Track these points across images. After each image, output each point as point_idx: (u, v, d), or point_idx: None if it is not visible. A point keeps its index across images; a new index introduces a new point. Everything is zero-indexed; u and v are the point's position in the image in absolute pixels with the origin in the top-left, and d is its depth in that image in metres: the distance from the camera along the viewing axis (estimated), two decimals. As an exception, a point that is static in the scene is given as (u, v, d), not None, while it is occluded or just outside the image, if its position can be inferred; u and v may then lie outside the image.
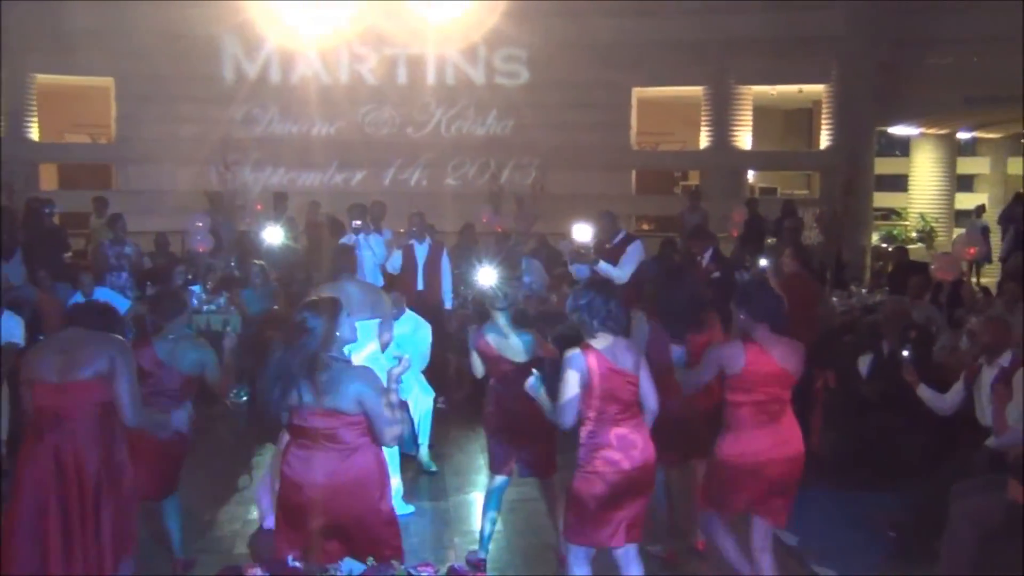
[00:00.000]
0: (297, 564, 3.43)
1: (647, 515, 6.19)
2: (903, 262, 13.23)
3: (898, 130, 22.42)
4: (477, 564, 6.01)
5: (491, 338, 5.91)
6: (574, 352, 4.77)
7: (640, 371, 4.84)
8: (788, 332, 5.18)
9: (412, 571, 3.40)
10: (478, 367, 6.10)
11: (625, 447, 4.75)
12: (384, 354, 6.51)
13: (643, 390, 4.86)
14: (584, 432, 4.82)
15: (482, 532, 6.19)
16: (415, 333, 8.38)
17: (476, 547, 6.55)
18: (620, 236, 9.12)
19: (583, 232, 9.03)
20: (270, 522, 5.94)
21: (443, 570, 3.45)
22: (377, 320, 6.52)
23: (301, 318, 4.29)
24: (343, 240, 11.92)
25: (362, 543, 4.27)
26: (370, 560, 3.60)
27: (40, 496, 4.50)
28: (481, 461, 8.53)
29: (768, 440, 5.02)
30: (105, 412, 4.64)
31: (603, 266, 8.81)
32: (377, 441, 4.37)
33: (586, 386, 4.73)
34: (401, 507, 6.47)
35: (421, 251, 10.08)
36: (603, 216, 9.35)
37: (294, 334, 4.24)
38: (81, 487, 4.51)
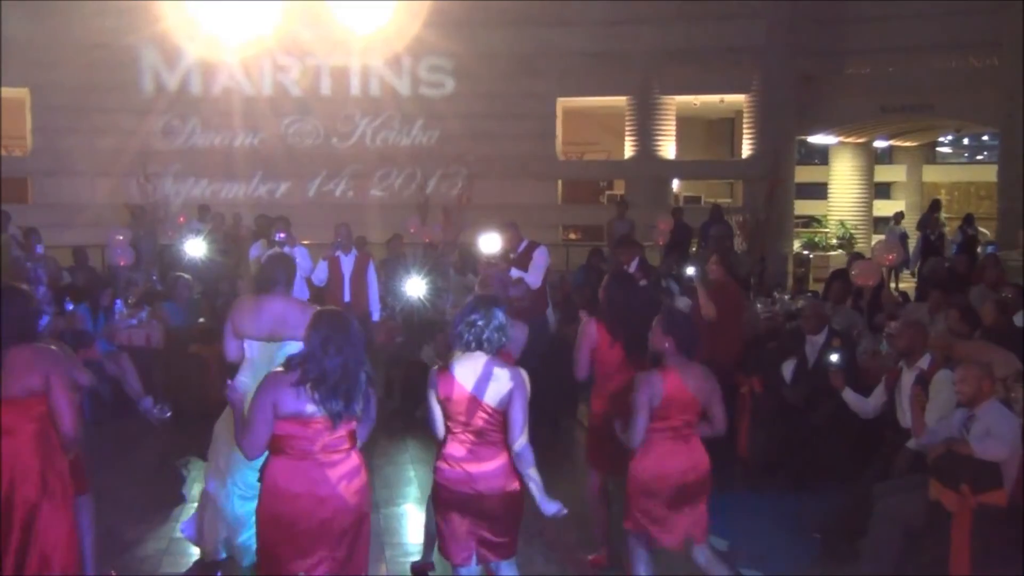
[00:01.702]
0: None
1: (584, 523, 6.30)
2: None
3: (817, 139, 22.92)
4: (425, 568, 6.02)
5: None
6: (433, 368, 4.78)
7: (507, 404, 4.64)
8: (704, 351, 5.30)
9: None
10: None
11: (462, 469, 4.68)
12: None
13: (510, 422, 4.65)
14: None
15: (425, 540, 6.15)
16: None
17: (409, 559, 6.53)
18: (524, 245, 9.18)
19: (491, 242, 9.05)
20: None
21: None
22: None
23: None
24: (256, 253, 11.81)
25: (357, 550, 4.35)
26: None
27: None
28: (412, 473, 8.50)
29: (679, 462, 5.10)
30: (43, 427, 4.55)
31: (515, 272, 8.84)
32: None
33: (436, 400, 4.70)
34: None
35: (347, 263, 10.00)
36: (506, 226, 9.38)
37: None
38: (12, 506, 4.42)
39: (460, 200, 17.56)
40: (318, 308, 4.78)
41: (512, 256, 8.98)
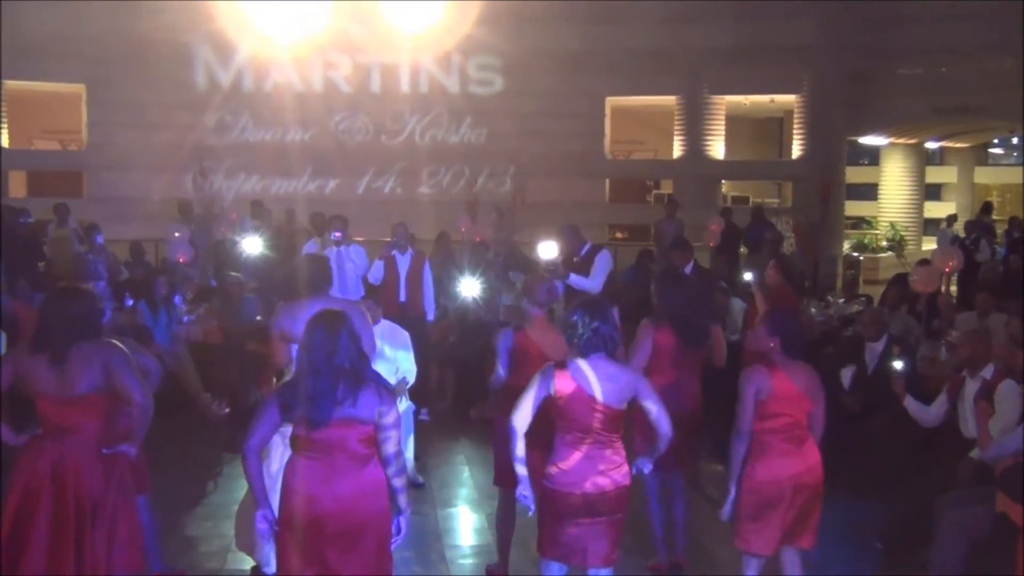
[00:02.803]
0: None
1: (642, 529, 6.31)
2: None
3: (867, 140, 22.69)
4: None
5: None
6: (547, 365, 4.79)
7: (627, 397, 4.78)
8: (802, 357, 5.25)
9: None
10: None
11: (576, 472, 4.73)
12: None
13: (651, 416, 4.82)
14: (553, 448, 4.82)
15: (500, 546, 6.18)
16: (393, 342, 8.27)
17: (467, 559, 6.59)
18: (586, 248, 9.14)
19: (549, 249, 9.07)
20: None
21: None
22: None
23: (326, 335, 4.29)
24: (309, 247, 11.88)
25: (370, 553, 4.30)
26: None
27: (31, 506, 4.50)
28: (467, 473, 8.54)
29: (792, 465, 5.06)
30: (106, 425, 4.63)
31: (574, 279, 8.81)
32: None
33: (542, 400, 4.73)
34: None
35: (403, 261, 10.02)
36: (566, 230, 9.35)
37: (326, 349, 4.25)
38: (78, 502, 4.50)
39: (514, 199, 17.55)
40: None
41: (575, 260, 8.95)
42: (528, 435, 5.35)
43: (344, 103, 20.04)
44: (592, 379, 4.67)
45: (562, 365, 4.72)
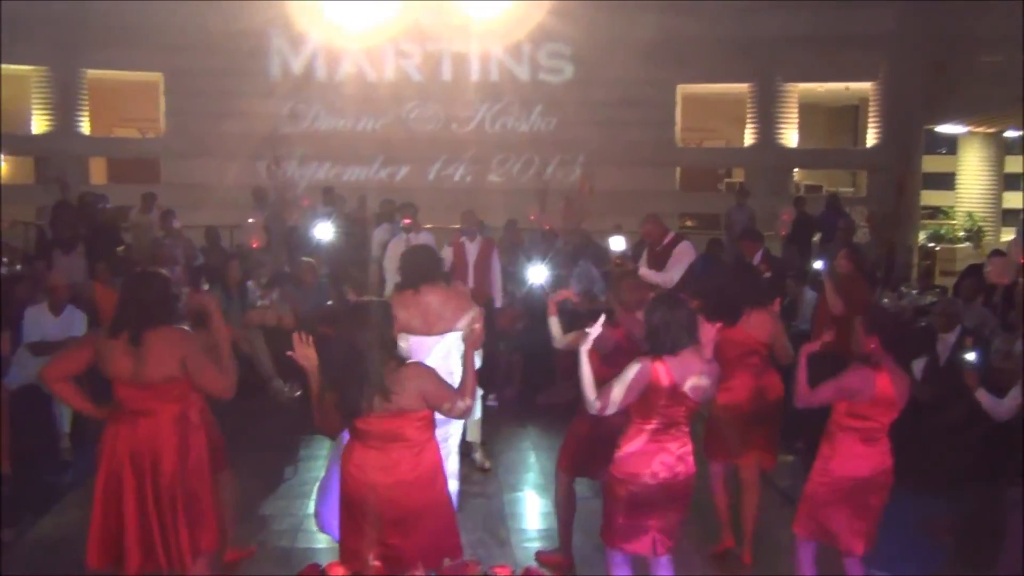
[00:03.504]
0: (377, 563, 3.48)
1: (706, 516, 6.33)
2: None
3: (945, 128, 22.24)
4: (560, 563, 6.06)
5: None
6: (644, 359, 4.79)
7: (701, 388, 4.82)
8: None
9: (488, 572, 3.45)
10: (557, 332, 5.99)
11: (646, 462, 4.77)
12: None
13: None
14: (625, 437, 4.85)
15: (560, 532, 6.22)
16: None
17: (532, 543, 6.65)
18: (669, 238, 9.09)
19: (618, 242, 9.03)
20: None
21: (519, 571, 3.49)
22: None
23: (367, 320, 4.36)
24: (382, 237, 11.99)
25: (424, 540, 4.33)
26: (446, 560, 3.65)
27: (116, 491, 4.61)
28: (533, 458, 8.60)
29: (867, 465, 5.01)
30: (182, 408, 4.74)
31: (644, 272, 8.78)
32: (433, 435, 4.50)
33: (639, 393, 4.77)
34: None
35: (472, 249, 10.10)
36: (648, 219, 9.31)
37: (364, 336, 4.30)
38: (158, 484, 4.61)
39: (583, 188, 17.54)
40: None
41: (657, 249, 8.92)
42: (596, 427, 5.45)
43: (415, 92, 20.18)
44: (686, 374, 4.71)
45: (658, 359, 4.73)
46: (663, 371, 4.72)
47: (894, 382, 4.96)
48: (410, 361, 4.50)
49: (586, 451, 5.93)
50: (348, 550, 4.42)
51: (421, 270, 6.15)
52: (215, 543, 4.87)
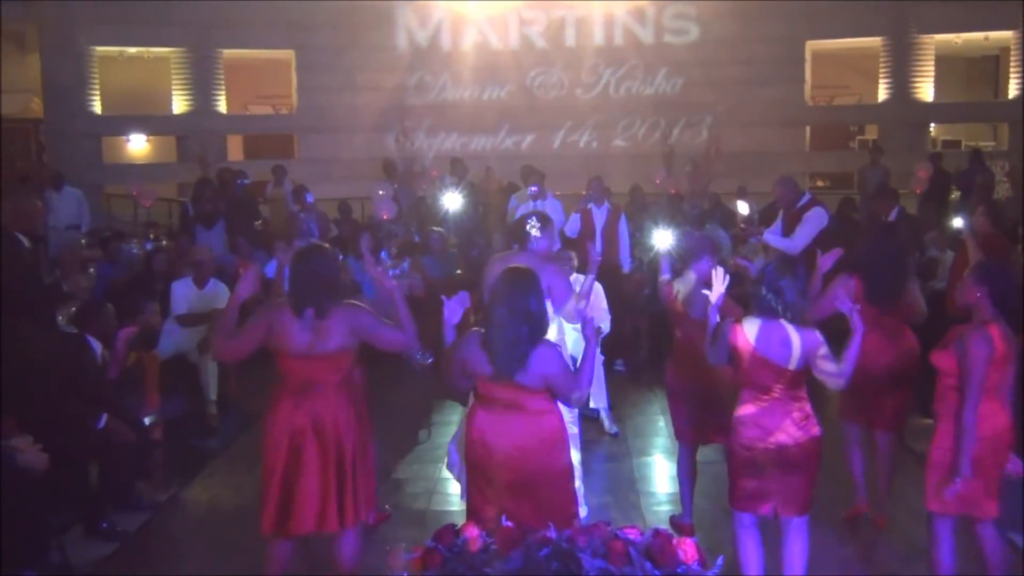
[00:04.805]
0: (510, 524, 3.60)
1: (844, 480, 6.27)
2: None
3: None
4: (683, 528, 6.12)
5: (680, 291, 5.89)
6: (728, 319, 4.84)
7: (801, 360, 4.73)
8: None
9: (619, 532, 3.53)
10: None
11: (759, 427, 4.76)
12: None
13: (823, 372, 4.77)
14: (739, 402, 4.88)
15: (682, 497, 6.28)
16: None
17: (661, 507, 6.71)
18: (803, 201, 8.87)
19: (744, 206, 8.90)
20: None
21: (648, 531, 3.57)
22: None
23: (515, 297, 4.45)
24: (513, 205, 12.10)
25: (539, 506, 4.40)
26: (576, 521, 3.76)
27: (297, 461, 4.77)
28: (662, 423, 8.63)
29: (991, 423, 4.85)
30: (347, 377, 4.88)
31: (770, 237, 8.64)
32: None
33: (733, 359, 4.82)
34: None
35: (600, 215, 10.14)
36: (781, 181, 9.11)
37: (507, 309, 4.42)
38: (340, 452, 4.76)
39: (709, 150, 17.33)
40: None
41: (790, 213, 8.75)
42: (701, 390, 5.50)
43: (538, 59, 20.18)
44: (765, 340, 4.69)
45: (739, 322, 4.77)
46: (742, 336, 4.75)
47: (1004, 337, 4.78)
48: (546, 340, 4.57)
49: (696, 417, 5.99)
50: (472, 510, 4.56)
51: (516, 236, 6.17)
52: (372, 509, 5.01)
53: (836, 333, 5.02)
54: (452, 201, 12.75)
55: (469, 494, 4.73)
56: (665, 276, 6.20)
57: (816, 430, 4.80)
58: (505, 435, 4.47)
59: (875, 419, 6.23)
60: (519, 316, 4.37)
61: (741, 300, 5.99)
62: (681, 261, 6.30)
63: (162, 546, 6.38)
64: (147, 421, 7.12)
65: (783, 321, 4.72)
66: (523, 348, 4.37)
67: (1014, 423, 4.94)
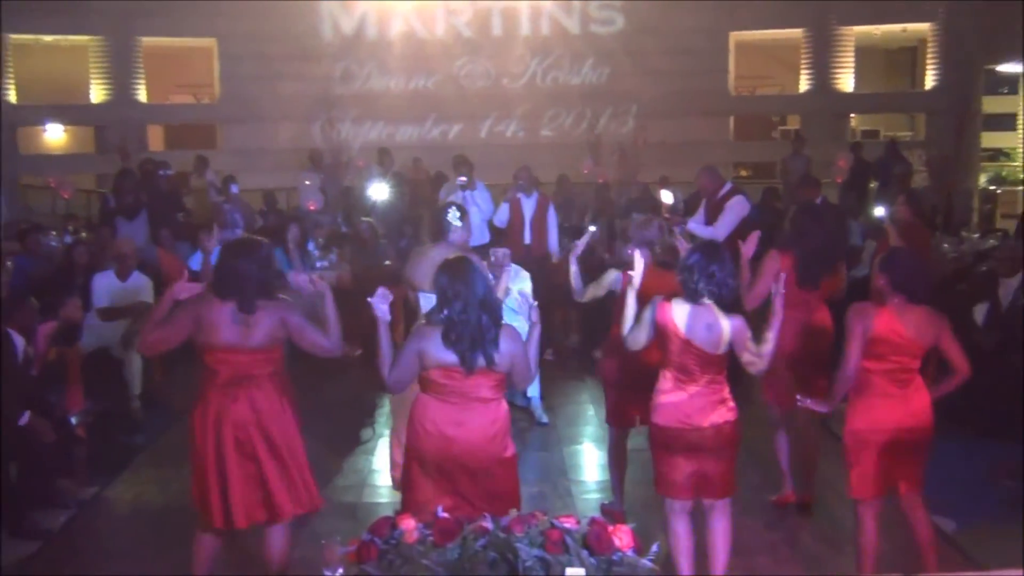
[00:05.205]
0: (446, 515, 3.58)
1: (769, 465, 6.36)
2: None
3: (1006, 68, 21.67)
4: (615, 515, 6.14)
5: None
6: (656, 298, 4.87)
7: (727, 345, 4.79)
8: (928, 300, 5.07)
9: (555, 522, 3.53)
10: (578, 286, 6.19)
11: (679, 411, 4.81)
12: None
13: (746, 356, 4.85)
14: (657, 385, 4.92)
15: (613, 485, 6.32)
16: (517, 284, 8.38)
17: (591, 495, 6.75)
18: (724, 190, 8.99)
19: (668, 195, 8.99)
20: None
21: (584, 521, 3.57)
22: None
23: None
24: (443, 194, 12.04)
25: (498, 491, 4.44)
26: (512, 511, 3.75)
27: (228, 454, 4.71)
28: (592, 412, 8.68)
29: (893, 410, 4.96)
30: (278, 370, 4.82)
31: (693, 226, 8.73)
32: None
33: (653, 333, 4.86)
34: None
35: (529, 204, 10.14)
36: (702, 171, 9.22)
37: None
38: (272, 445, 4.70)
39: (636, 139, 17.44)
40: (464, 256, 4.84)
41: (714, 201, 8.85)
42: (634, 376, 5.52)
43: (465, 48, 20.10)
44: (690, 322, 4.73)
45: (667, 301, 4.80)
46: (667, 316, 4.79)
47: (903, 321, 4.90)
48: (506, 323, 4.56)
49: (623, 401, 6.03)
50: (415, 502, 4.53)
51: (435, 227, 6.17)
52: (310, 503, 4.89)
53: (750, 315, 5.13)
54: (379, 191, 12.66)
55: (414, 486, 4.66)
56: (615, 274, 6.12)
57: (733, 414, 4.86)
58: (466, 425, 4.45)
59: (787, 398, 6.28)
60: (474, 306, 4.37)
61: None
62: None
63: (87, 544, 6.24)
64: (74, 421, 6.95)
65: (711, 306, 4.76)
66: (491, 334, 4.38)
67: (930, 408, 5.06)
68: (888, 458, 4.95)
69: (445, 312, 4.37)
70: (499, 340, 4.41)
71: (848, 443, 5.04)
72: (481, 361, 4.38)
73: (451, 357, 4.38)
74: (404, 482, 4.76)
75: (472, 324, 4.34)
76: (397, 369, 4.49)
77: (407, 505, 4.59)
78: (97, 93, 19.59)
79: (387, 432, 7.41)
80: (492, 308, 4.44)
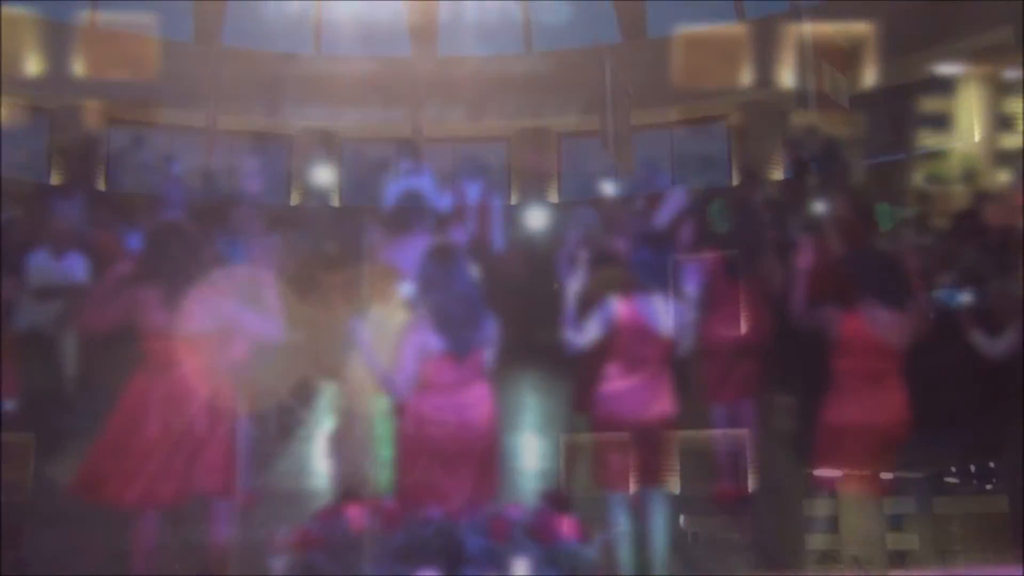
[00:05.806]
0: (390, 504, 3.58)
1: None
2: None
3: (946, 68, 22.02)
4: (558, 503, 6.16)
5: None
6: (607, 299, 4.89)
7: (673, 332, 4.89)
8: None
9: (501, 511, 3.55)
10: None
11: (624, 402, 4.85)
12: None
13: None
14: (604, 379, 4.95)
15: (557, 474, 6.36)
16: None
17: (538, 485, 6.78)
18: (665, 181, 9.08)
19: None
20: None
21: (529, 509, 3.60)
22: None
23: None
24: (387, 181, 11.92)
25: (486, 474, 4.56)
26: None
27: (135, 434, 4.65)
28: (530, 400, 8.70)
29: (866, 408, 5.03)
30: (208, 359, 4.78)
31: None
32: None
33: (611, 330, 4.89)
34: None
35: (472, 192, 10.11)
36: (642, 164, 9.31)
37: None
38: (186, 431, 4.66)
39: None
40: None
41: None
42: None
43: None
44: (651, 312, 4.77)
45: (625, 295, 4.84)
46: (627, 308, 5.01)
47: (868, 322, 4.98)
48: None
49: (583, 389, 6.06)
50: (406, 490, 4.52)
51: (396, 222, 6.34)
52: (226, 489, 4.90)
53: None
54: (323, 175, 12.54)
55: (402, 475, 4.65)
56: None
57: (672, 405, 4.91)
58: (470, 409, 4.55)
59: (732, 393, 6.37)
60: (457, 296, 4.43)
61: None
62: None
63: (23, 525, 6.11)
64: (7, 406, 6.79)
65: (658, 294, 4.80)
66: (479, 317, 4.49)
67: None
68: (863, 454, 5.07)
69: (433, 298, 4.39)
70: (486, 324, 4.48)
71: (819, 435, 5.09)
72: (480, 345, 4.42)
73: (439, 343, 4.39)
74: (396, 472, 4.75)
75: (458, 317, 4.35)
76: (402, 368, 4.49)
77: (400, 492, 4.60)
78: (33, 66, 19.10)
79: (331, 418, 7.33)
80: (472, 296, 4.57)
